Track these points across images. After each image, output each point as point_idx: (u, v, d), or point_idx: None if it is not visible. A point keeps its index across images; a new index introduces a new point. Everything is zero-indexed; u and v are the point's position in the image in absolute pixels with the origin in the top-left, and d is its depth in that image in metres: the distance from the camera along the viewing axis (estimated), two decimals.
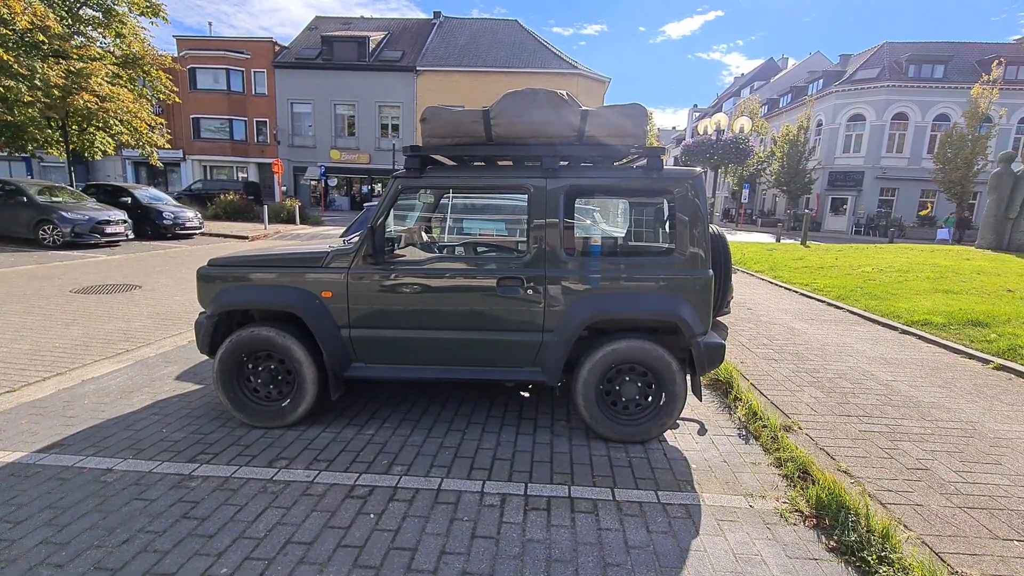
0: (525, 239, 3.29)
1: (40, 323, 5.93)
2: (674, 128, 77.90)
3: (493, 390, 4.22)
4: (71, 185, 18.28)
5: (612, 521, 2.54)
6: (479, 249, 4.11)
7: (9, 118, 15.02)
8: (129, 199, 16.26)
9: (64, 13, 16.85)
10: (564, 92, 3.27)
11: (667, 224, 3.39)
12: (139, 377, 4.41)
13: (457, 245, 4.26)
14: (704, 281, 3.24)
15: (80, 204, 13.89)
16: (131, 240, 14.34)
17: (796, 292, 9.16)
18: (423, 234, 4.18)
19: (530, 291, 3.27)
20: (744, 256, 13.90)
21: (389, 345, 3.42)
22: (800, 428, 3.52)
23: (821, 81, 36.92)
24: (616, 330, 3.39)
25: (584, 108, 3.26)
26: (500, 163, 3.62)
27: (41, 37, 15.01)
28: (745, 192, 34.95)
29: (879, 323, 6.81)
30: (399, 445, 3.30)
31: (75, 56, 16.16)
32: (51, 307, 6.70)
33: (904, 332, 6.34)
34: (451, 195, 5.14)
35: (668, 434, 3.53)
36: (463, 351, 3.39)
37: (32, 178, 31.05)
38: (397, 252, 3.47)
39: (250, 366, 3.49)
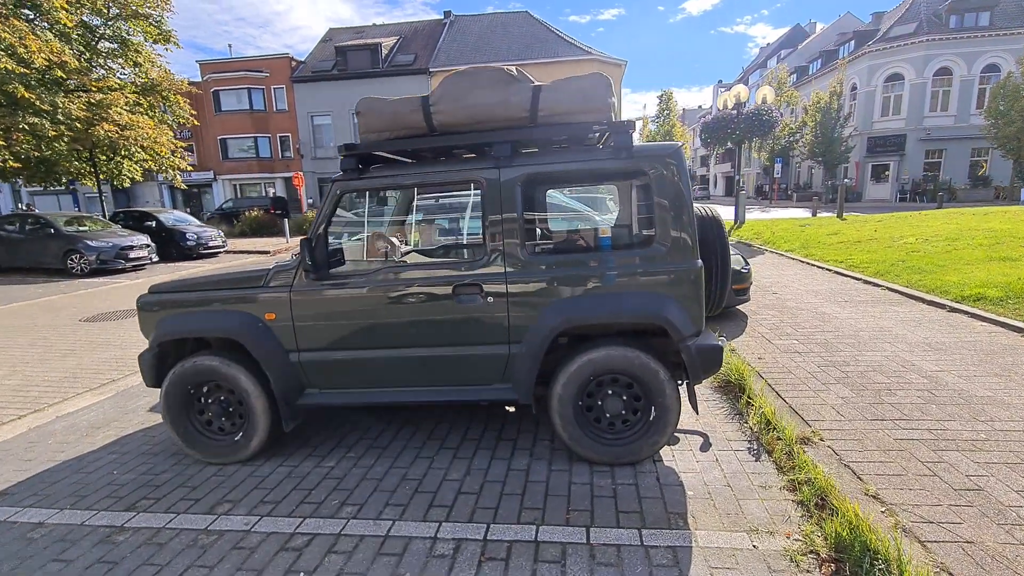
0: (481, 239, 2.88)
1: (39, 355, 5.91)
2: (699, 107, 75.44)
3: (472, 408, 3.84)
4: (104, 213, 18.97)
5: (580, 573, 2.12)
6: (440, 253, 3.74)
7: (37, 153, 15.57)
8: (154, 223, 16.68)
9: (82, 48, 17.37)
10: (514, 68, 2.84)
11: (645, 210, 2.92)
12: (113, 410, 4.24)
13: (419, 250, 3.89)
14: (692, 274, 2.76)
15: (105, 232, 14.27)
16: (155, 263, 14.65)
17: (829, 270, 8.40)
18: (392, 241, 3.82)
19: (490, 299, 2.86)
20: (774, 235, 13.04)
21: (342, 368, 3.08)
22: (822, 439, 2.99)
23: (852, 43, 34.78)
24: (598, 336, 2.95)
25: (536, 84, 2.82)
26: (466, 156, 3.24)
27: (60, 73, 15.51)
28: (778, 167, 33.23)
29: (923, 301, 6.07)
30: (358, 479, 2.96)
31: (94, 88, 16.66)
32: (56, 337, 6.72)
33: (953, 310, 5.60)
34: (431, 194, 4.78)
35: (665, 451, 3.07)
36: (424, 370, 3.03)
37: (79, 209, 32.64)
38: (352, 264, 3.14)
39: (200, 399, 3.22)
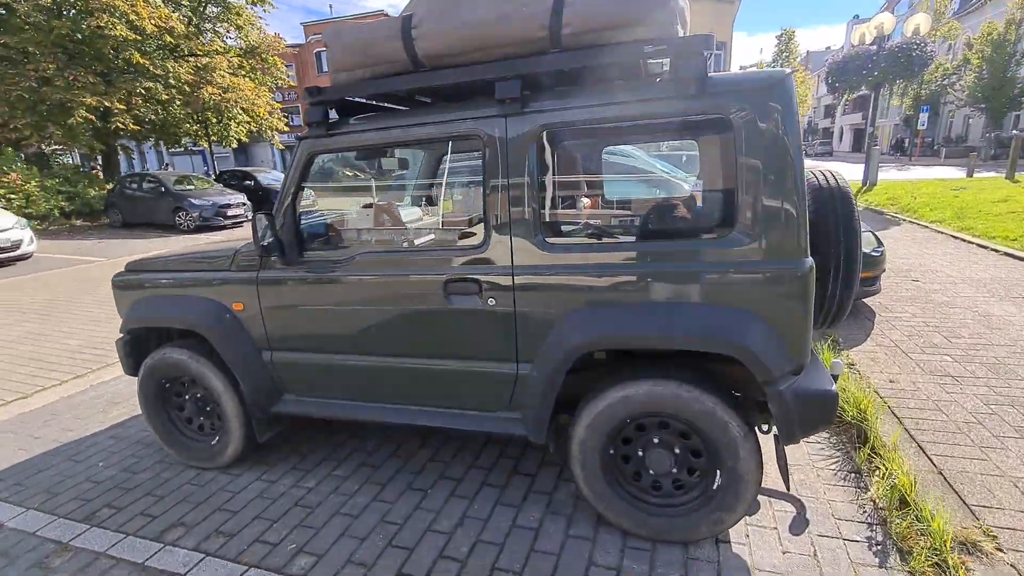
0: (483, 219, 2.08)
1: (107, 315, 6.10)
2: (827, 48, 65.78)
3: None
4: (213, 172, 20.41)
5: None
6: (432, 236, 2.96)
7: (153, 117, 16.81)
8: (252, 182, 17.59)
9: (190, 14, 18.25)
10: None
11: (722, 177, 1.94)
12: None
13: (428, 229, 3.12)
14: (795, 278, 1.78)
15: (208, 191, 15.17)
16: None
17: (995, 251, 6.49)
18: (396, 214, 3.11)
19: (491, 299, 2.08)
20: (915, 200, 10.67)
21: (318, 374, 2.50)
22: (999, 549, 1.91)
23: None
24: (642, 361, 2.08)
25: None
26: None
27: (169, 39, 16.44)
28: (923, 116, 27.87)
29: None
30: (330, 513, 2.41)
31: (200, 52, 17.56)
32: None
33: None
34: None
35: (737, 525, 2.16)
36: (411, 387, 2.36)
37: (207, 168, 35.90)
38: (327, 247, 2.50)
39: (177, 394, 2.82)
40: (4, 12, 13.97)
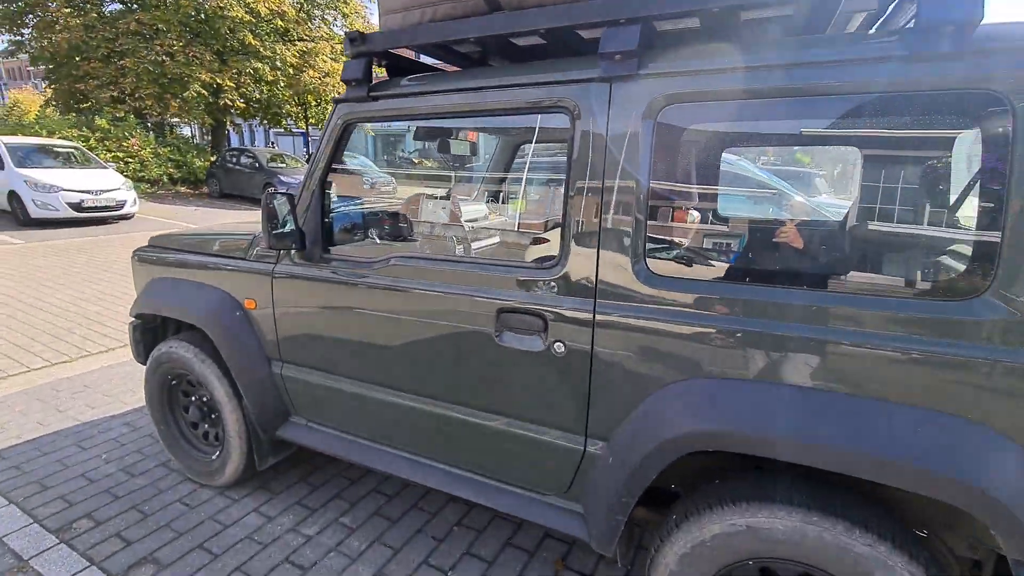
0: (562, 228, 1.45)
1: None
2: None
3: None
4: (307, 153, 21.29)
5: None
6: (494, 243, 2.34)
7: (258, 96, 17.67)
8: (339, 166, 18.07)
9: (303, 0, 19.03)
10: None
11: (971, 202, 1.18)
12: None
13: (480, 239, 2.46)
14: None
15: (296, 170, 15.67)
16: None
17: None
18: (455, 210, 2.54)
19: (559, 343, 1.45)
20: None
21: (334, 401, 1.99)
22: None
23: None
24: (782, 474, 1.36)
25: None
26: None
27: (279, 23, 17.19)
28: None
29: None
30: None
31: (307, 37, 18.27)
32: None
33: None
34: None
35: None
36: (443, 438, 1.78)
37: (307, 148, 37.95)
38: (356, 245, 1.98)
39: (184, 394, 2.44)
40: None
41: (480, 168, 3.33)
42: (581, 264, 1.41)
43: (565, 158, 1.46)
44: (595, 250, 1.39)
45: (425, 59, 1.94)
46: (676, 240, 1.49)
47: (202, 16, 15.56)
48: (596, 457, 1.48)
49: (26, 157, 9.99)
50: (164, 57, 14.65)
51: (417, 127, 2.73)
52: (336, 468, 2.56)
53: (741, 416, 1.22)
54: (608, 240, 1.37)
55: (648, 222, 1.34)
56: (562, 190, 1.48)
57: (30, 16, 15.15)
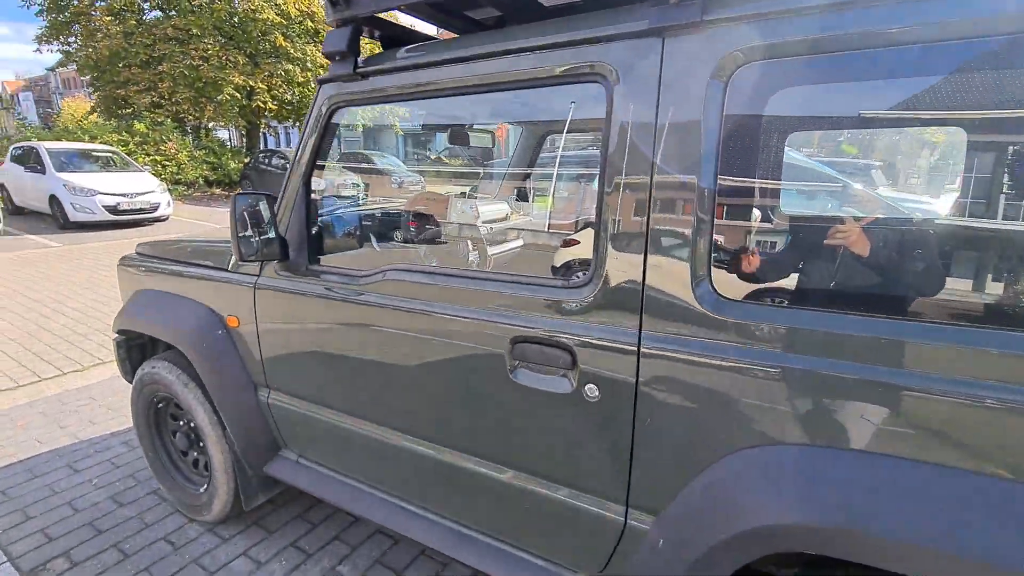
0: (595, 235, 1.10)
1: None
2: None
3: None
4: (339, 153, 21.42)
5: None
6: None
7: (289, 97, 17.83)
8: (365, 163, 18.10)
9: None
10: None
11: None
12: None
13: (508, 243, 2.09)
14: None
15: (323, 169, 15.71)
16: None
17: None
18: (472, 212, 2.21)
19: (591, 386, 1.10)
20: None
21: (325, 437, 1.70)
22: None
23: None
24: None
25: None
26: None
27: (309, 24, 17.27)
28: None
29: None
30: None
31: None
32: None
33: None
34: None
35: None
36: (451, 492, 1.46)
37: (340, 149, 38.52)
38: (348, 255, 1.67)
39: (172, 416, 2.20)
40: None
41: (505, 164, 2.99)
42: (621, 281, 1.06)
43: (600, 145, 1.11)
44: (640, 263, 1.04)
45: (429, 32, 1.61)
46: (756, 251, 1.11)
47: (235, 20, 15.76)
48: (641, 534, 1.13)
49: (66, 161, 10.23)
50: (199, 61, 14.90)
51: (425, 118, 2.41)
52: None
53: (866, 508, 0.84)
54: (659, 250, 1.02)
55: (716, 226, 0.98)
56: (595, 187, 1.13)
57: (76, 26, 15.67)
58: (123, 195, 9.84)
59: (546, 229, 2.37)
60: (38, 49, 16.53)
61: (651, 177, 1.01)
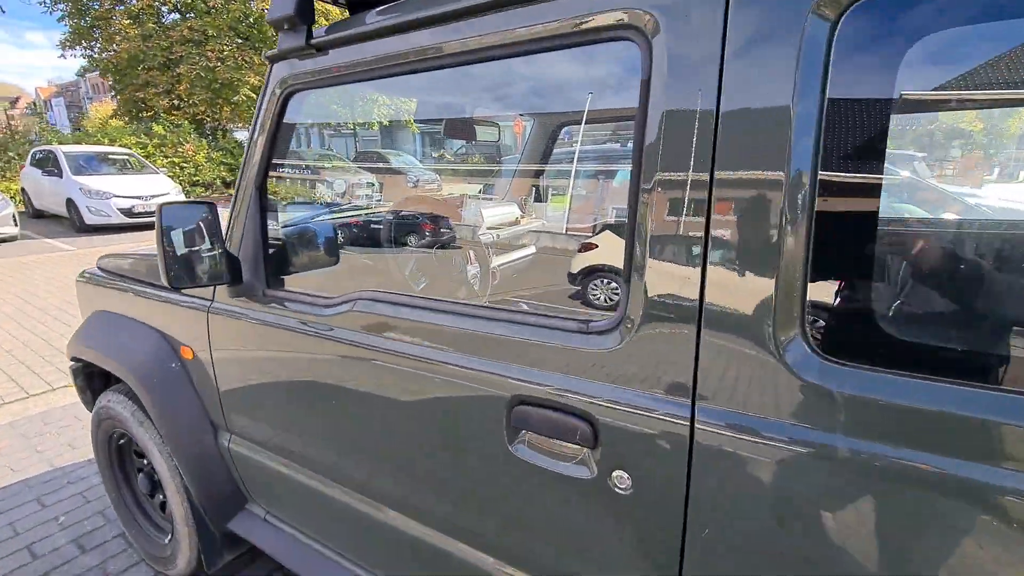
0: (625, 256, 0.78)
1: None
2: None
3: None
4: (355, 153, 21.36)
5: None
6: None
7: None
8: (382, 164, 18.00)
9: None
10: None
11: None
12: None
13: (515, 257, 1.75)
14: None
15: (338, 169, 15.61)
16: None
17: None
18: (477, 217, 1.88)
19: (620, 473, 0.77)
20: None
21: (292, 495, 1.40)
22: None
23: None
24: None
25: None
26: None
27: (324, 22, 17.13)
28: None
29: None
30: None
31: None
32: None
33: None
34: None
35: None
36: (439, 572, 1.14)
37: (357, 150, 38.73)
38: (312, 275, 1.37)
39: (137, 453, 1.94)
40: None
41: (515, 161, 2.66)
42: (664, 325, 0.73)
43: (632, 129, 0.77)
44: (695, 296, 0.70)
45: None
46: (880, 284, 0.74)
47: (250, 20, 15.72)
48: None
49: (83, 165, 10.23)
50: (216, 63, 14.89)
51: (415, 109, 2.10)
52: None
53: None
54: (723, 281, 0.68)
55: (815, 245, 0.63)
56: (620, 186, 0.80)
57: (97, 30, 15.82)
58: (138, 197, 9.79)
59: (564, 231, 2.05)
60: (62, 55, 16.75)
61: (711, 175, 0.67)
